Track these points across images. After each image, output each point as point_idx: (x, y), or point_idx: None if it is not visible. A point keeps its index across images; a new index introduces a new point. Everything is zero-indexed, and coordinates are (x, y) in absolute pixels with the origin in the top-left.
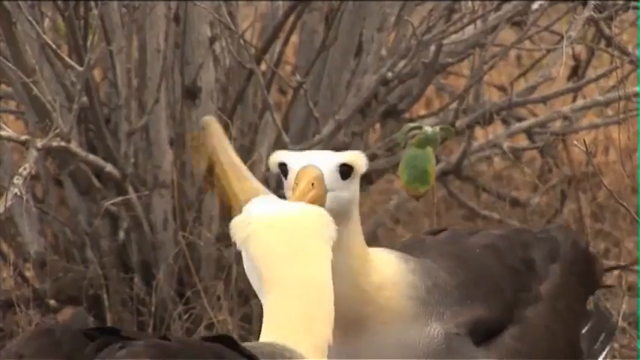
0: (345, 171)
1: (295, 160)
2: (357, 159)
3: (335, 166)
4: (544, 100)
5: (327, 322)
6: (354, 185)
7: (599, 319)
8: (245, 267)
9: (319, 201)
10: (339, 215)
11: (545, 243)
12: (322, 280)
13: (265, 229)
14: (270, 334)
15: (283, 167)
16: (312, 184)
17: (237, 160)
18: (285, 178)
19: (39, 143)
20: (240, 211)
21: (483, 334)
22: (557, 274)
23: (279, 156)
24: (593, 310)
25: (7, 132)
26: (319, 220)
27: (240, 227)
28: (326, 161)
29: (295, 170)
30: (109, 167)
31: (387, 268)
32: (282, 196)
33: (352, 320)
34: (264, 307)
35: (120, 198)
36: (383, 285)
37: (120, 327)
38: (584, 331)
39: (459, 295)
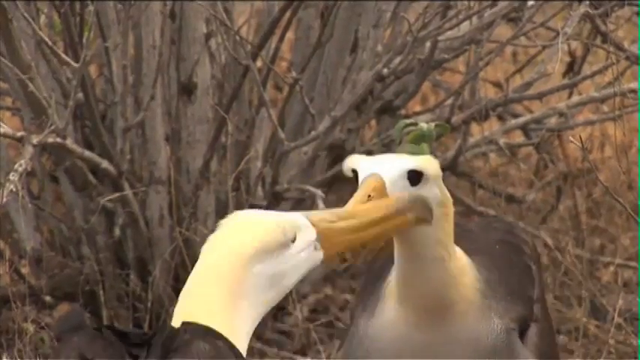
0: (415, 177)
1: (364, 166)
2: (427, 164)
3: (402, 173)
4: (540, 96)
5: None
6: (428, 188)
7: None
8: None
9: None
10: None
11: (526, 240)
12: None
13: (226, 226)
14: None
15: (355, 173)
16: (369, 196)
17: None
18: None
19: (35, 139)
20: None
21: (522, 330)
22: (537, 272)
23: (351, 162)
24: None
25: (3, 128)
26: (281, 217)
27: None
28: (392, 169)
29: (362, 178)
30: (104, 164)
31: (462, 257)
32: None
33: (440, 306)
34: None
35: (116, 194)
36: (463, 271)
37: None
38: None
39: (501, 290)
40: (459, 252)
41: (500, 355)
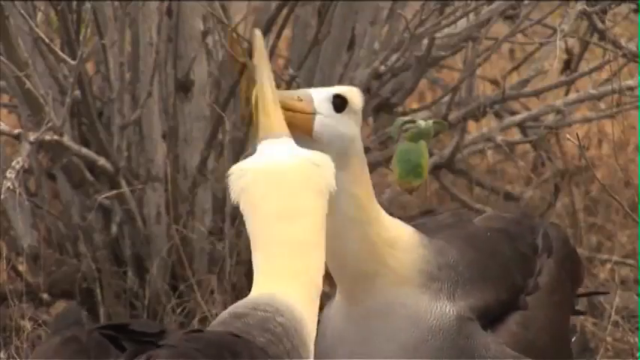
0: (339, 103)
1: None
2: (352, 93)
3: (328, 96)
4: (537, 93)
5: (315, 273)
6: (350, 122)
7: (580, 338)
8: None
9: (304, 113)
10: (334, 151)
11: (544, 233)
12: (310, 234)
13: (256, 184)
14: (259, 289)
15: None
16: (300, 98)
17: (269, 89)
18: None
19: (32, 137)
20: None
21: (491, 317)
22: (552, 267)
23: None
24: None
25: (0, 125)
26: (314, 170)
27: (235, 179)
28: (320, 91)
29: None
30: (101, 161)
31: (400, 232)
32: None
33: (360, 275)
34: (254, 265)
35: (113, 192)
36: (394, 244)
37: (134, 323)
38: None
39: (469, 275)
40: (401, 228)
41: (451, 338)
